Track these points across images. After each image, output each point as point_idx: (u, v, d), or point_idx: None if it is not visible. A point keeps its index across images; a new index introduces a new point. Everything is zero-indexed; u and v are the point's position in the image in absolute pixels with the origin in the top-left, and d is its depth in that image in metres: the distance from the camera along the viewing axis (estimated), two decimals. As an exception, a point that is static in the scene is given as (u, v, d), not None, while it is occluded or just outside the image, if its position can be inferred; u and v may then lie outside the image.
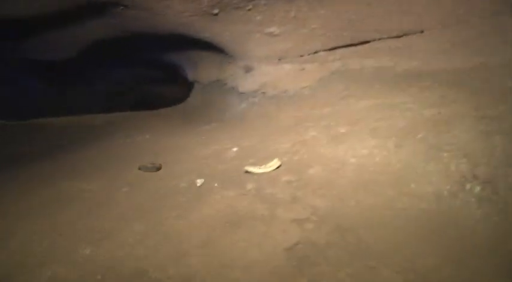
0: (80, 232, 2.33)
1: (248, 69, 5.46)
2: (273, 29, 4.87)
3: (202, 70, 6.66)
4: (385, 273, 1.92)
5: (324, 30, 4.88)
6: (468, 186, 2.61)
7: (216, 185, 2.88)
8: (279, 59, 5.25)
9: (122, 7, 4.42)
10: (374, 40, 4.91)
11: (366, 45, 4.96)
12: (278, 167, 3.09)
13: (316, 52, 5.15)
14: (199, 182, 2.92)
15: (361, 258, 2.04)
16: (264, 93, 5.26)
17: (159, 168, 3.32)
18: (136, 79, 11.89)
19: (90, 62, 9.82)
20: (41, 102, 9.31)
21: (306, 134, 3.83)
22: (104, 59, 9.64)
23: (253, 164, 3.12)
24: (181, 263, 1.96)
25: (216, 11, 4.45)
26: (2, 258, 2.11)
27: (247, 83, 5.50)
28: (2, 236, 2.36)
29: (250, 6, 4.44)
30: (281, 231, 2.28)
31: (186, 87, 10.80)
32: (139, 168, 3.34)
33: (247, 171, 3.04)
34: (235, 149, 3.58)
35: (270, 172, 3.03)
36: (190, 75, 7.22)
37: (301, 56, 5.17)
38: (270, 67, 5.30)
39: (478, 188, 2.53)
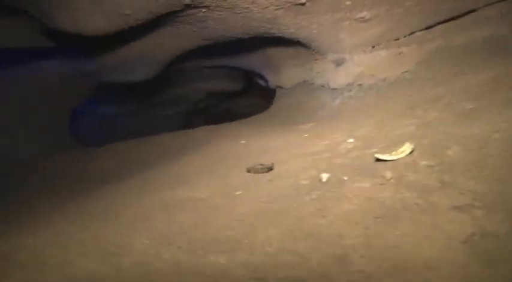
0: (203, 241, 1.99)
1: (339, 62, 5.04)
2: (364, 14, 4.42)
3: (285, 73, 6.32)
4: None
5: (421, 7, 4.37)
6: None
7: (345, 178, 2.47)
8: (373, 46, 4.79)
9: (203, 9, 4.17)
10: (479, 8, 4.34)
11: (471, 16, 4.40)
12: (411, 152, 2.63)
13: (413, 32, 4.65)
14: (324, 177, 2.52)
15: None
16: (360, 85, 4.81)
17: (270, 168, 2.95)
18: (211, 94, 11.78)
19: (165, 80, 9.83)
20: (121, 127, 9.39)
21: (427, 115, 3.34)
22: (177, 75, 9.58)
23: (380, 152, 2.68)
24: (345, 268, 1.55)
25: (303, 1, 4.09)
26: (117, 274, 1.82)
27: (339, 78, 5.08)
28: (112, 250, 2.07)
29: (339, -10, 4.06)
30: (448, 221, 1.82)
31: (264, 97, 10.55)
32: (248, 171, 2.99)
33: (378, 159, 2.61)
34: (351, 141, 3.16)
35: (404, 158, 2.58)
36: (272, 81, 6.88)
37: (397, 39, 4.68)
38: (364, 56, 4.86)
39: None
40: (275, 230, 1.94)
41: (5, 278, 1.95)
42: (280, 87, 6.69)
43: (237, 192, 2.61)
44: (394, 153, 2.63)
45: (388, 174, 2.34)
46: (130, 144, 6.72)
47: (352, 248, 1.65)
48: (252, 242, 1.87)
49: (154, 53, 5.51)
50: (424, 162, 2.48)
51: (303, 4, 4.16)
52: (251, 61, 6.82)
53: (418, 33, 4.65)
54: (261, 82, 7.86)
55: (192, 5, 4.03)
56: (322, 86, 5.49)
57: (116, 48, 5.28)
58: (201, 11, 4.23)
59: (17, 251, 2.30)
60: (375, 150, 2.83)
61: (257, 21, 4.45)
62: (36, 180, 5.12)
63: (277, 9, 4.20)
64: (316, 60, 5.53)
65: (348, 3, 4.31)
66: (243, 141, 4.05)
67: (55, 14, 3.62)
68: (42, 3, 3.48)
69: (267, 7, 4.14)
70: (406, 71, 4.47)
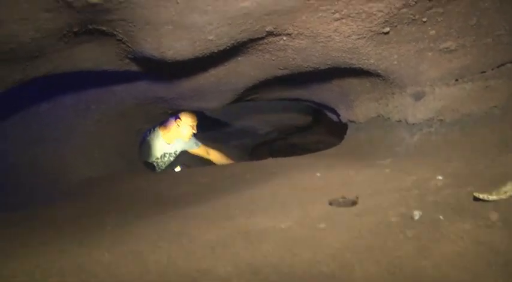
0: (293, 275, 1.84)
1: (419, 96, 4.82)
2: (449, 44, 4.21)
3: (358, 107, 6.13)
4: None
5: (513, 36, 4.10)
6: None
7: (441, 217, 2.26)
8: (456, 79, 4.54)
9: (284, 37, 4.14)
10: None
11: None
12: (516, 193, 2.38)
13: (502, 64, 4.35)
14: (416, 214, 2.32)
15: None
16: (441, 120, 4.54)
17: (354, 203, 2.78)
18: (278, 128, 11.72)
19: (229, 112, 9.89)
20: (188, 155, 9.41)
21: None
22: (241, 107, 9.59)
23: (478, 191, 2.44)
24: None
25: (387, 29, 3.96)
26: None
27: (418, 112, 4.84)
28: (194, 275, 1.96)
29: (425, 18, 3.89)
30: None
31: (332, 134, 10.34)
32: (330, 204, 2.84)
33: (477, 199, 2.38)
34: (440, 178, 2.93)
35: (508, 199, 2.33)
36: (344, 115, 6.71)
37: (483, 72, 4.40)
38: (446, 89, 4.60)
39: None
40: (374, 267, 1.77)
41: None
42: (352, 121, 6.49)
43: (321, 225, 2.45)
44: (495, 193, 2.39)
45: (493, 216, 2.11)
46: (198, 172, 6.73)
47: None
48: (351, 279, 1.70)
49: (229, 82, 5.50)
50: (533, 205, 2.23)
51: (386, 33, 4.03)
52: (323, 94, 6.68)
53: (509, 65, 4.35)
54: (332, 116, 7.68)
55: (275, 33, 4.00)
56: (399, 121, 5.25)
57: (191, 76, 5.32)
58: (282, 39, 4.19)
59: (93, 265, 2.23)
60: (470, 188, 2.60)
61: (337, 51, 4.35)
62: (104, 199, 5.16)
63: (358, 38, 4.09)
64: (393, 93, 5.32)
65: (432, 32, 4.13)
66: (318, 174, 3.89)
67: (142, 39, 3.70)
68: (130, 28, 3.57)
69: (349, 36, 4.04)
70: (494, 106, 4.18)
